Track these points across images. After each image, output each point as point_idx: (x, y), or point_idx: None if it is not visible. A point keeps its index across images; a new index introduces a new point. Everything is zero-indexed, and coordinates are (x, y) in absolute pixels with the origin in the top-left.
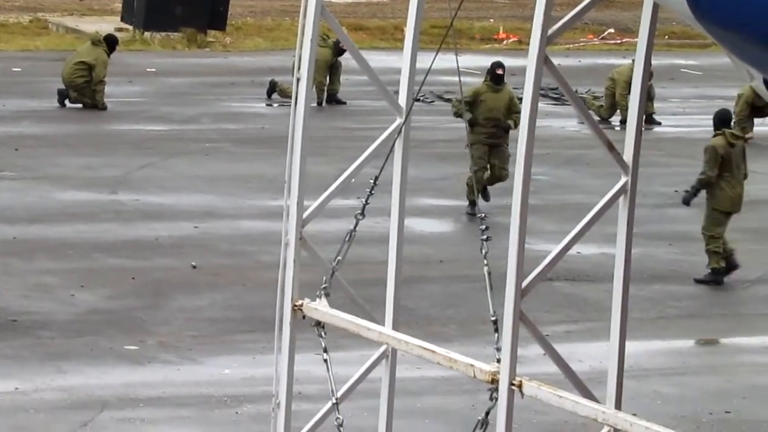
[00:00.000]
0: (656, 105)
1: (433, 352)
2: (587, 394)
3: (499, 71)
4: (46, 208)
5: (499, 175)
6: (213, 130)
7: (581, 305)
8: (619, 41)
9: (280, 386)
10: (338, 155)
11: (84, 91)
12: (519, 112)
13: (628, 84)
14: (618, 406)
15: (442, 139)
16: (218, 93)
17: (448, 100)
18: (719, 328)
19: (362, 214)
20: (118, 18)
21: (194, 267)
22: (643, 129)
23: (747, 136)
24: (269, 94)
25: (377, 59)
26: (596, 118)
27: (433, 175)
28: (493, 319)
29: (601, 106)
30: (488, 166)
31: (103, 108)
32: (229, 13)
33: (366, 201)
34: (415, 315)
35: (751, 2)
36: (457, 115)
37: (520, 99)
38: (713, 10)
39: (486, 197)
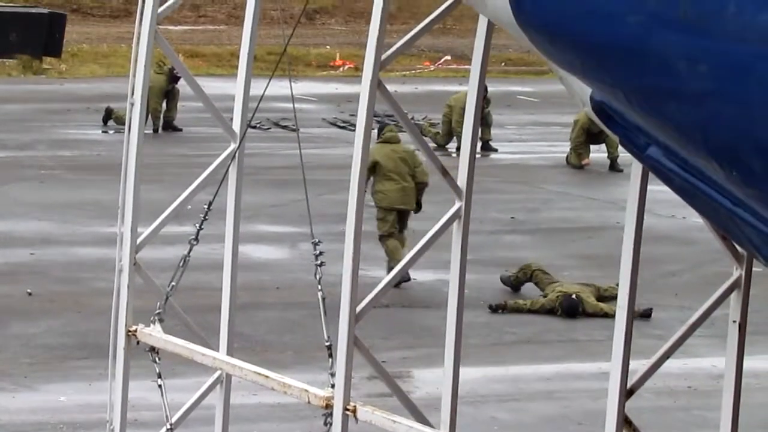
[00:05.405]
0: (493, 131)
1: (267, 377)
2: (422, 420)
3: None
4: None
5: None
6: (48, 157)
7: (418, 331)
8: (454, 67)
9: (114, 412)
10: (174, 182)
11: None
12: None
13: (465, 111)
14: (453, 431)
15: (278, 166)
16: (54, 120)
17: (285, 127)
18: (555, 354)
19: (196, 239)
20: None
21: (29, 294)
22: (479, 155)
23: (583, 162)
24: (105, 121)
25: (214, 86)
26: (432, 145)
27: (270, 201)
28: (328, 344)
29: (438, 133)
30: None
31: None
32: (64, 39)
33: (200, 226)
34: (252, 341)
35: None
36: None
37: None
38: (536, 11)
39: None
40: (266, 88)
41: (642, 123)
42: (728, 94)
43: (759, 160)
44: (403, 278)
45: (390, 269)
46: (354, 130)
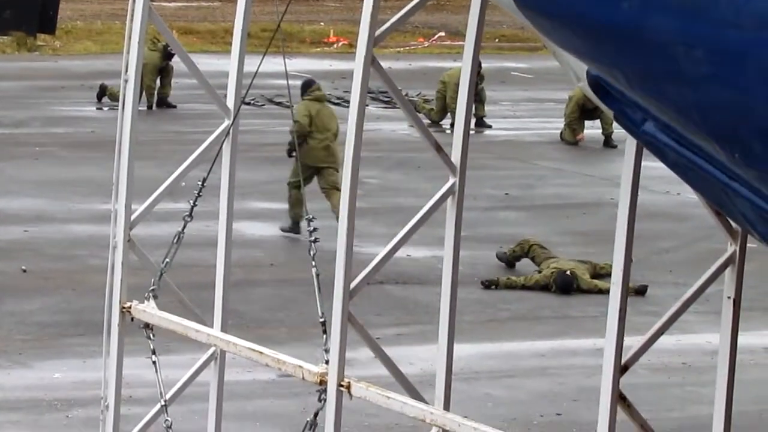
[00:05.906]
0: (487, 108)
1: (261, 353)
2: (416, 396)
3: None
4: None
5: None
6: (43, 134)
7: (412, 308)
8: (448, 43)
9: (108, 389)
10: (169, 159)
11: None
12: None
13: (459, 87)
14: (447, 407)
15: (272, 143)
16: (48, 97)
17: (279, 104)
18: (550, 331)
19: (190, 216)
20: None
21: (24, 271)
22: (473, 131)
23: (578, 138)
24: (99, 97)
25: (208, 63)
26: (426, 121)
27: (264, 178)
28: (322, 320)
29: (432, 109)
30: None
31: None
32: (58, 16)
33: (194, 203)
34: (246, 318)
35: None
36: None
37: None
38: None
39: None
40: (260, 64)
41: (641, 101)
42: (725, 79)
43: (759, 143)
44: (292, 229)
45: (291, 218)
46: (348, 107)
